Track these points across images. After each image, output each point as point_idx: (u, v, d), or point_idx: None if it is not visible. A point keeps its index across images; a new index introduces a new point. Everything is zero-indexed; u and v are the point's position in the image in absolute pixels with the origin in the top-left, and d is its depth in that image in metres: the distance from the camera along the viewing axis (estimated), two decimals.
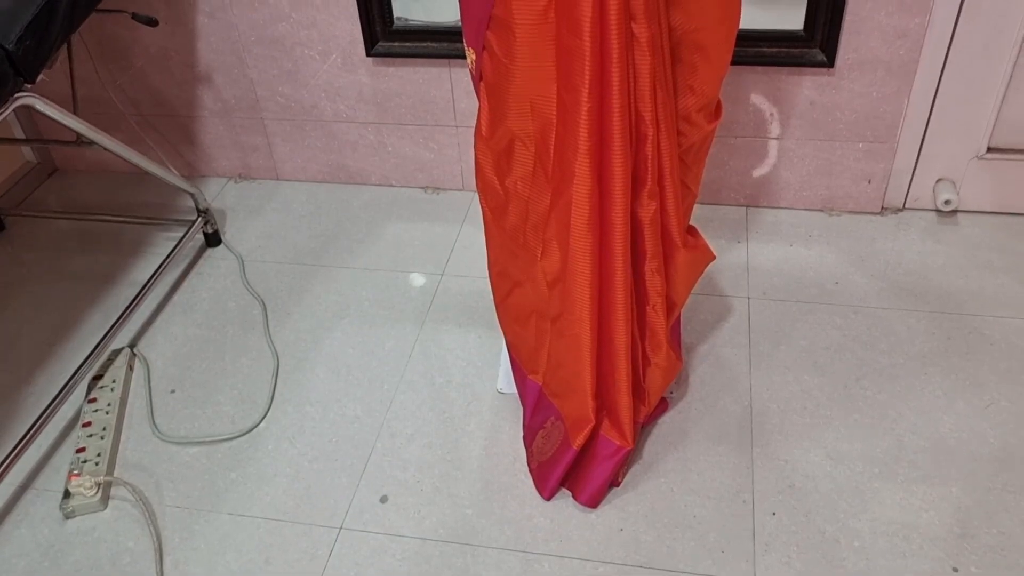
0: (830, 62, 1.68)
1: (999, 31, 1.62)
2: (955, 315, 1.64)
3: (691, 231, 1.33)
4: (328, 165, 2.08)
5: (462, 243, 1.89)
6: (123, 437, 1.50)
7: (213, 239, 1.92)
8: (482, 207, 1.29)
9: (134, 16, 1.63)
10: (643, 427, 1.43)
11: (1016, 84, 1.69)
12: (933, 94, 1.73)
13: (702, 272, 1.36)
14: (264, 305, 1.76)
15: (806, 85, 1.74)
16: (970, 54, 1.66)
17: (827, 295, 1.70)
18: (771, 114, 1.79)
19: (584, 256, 1.13)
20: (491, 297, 1.41)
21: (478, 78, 1.17)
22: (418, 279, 1.79)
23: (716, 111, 1.23)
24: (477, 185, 1.26)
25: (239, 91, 1.98)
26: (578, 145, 1.05)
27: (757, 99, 1.77)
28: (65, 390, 1.48)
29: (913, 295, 1.68)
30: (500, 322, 1.43)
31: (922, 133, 1.79)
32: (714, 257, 1.36)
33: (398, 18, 1.81)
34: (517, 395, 1.46)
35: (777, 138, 1.82)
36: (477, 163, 1.23)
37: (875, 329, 1.62)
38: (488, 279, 1.40)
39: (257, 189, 2.11)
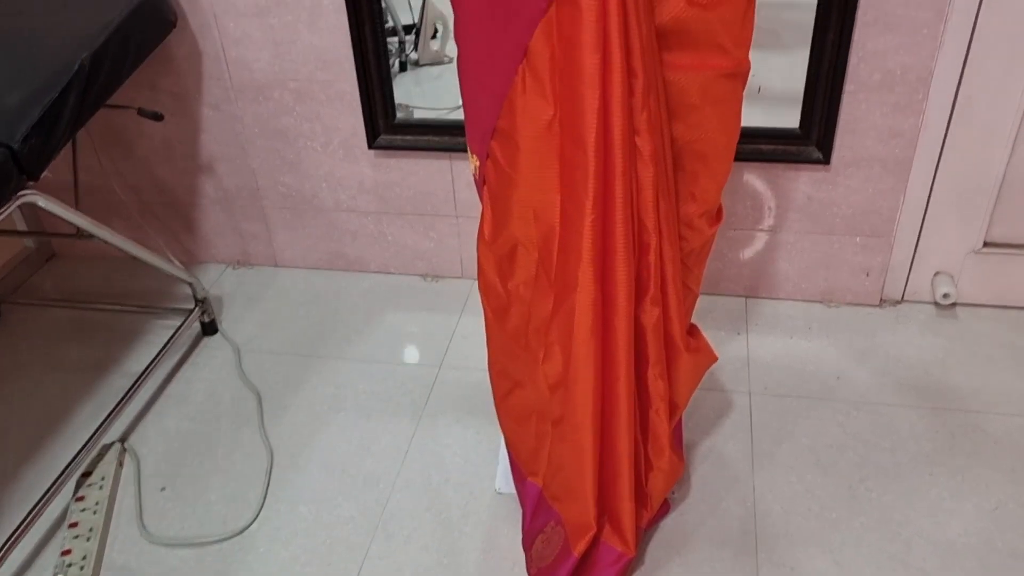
0: (826, 159, 1.70)
1: (991, 132, 1.65)
2: (958, 412, 1.62)
3: (692, 331, 1.32)
4: (327, 253, 2.08)
5: (461, 333, 1.88)
6: (110, 538, 1.46)
7: (210, 328, 1.90)
8: (483, 307, 1.28)
9: (140, 111, 1.65)
10: (644, 530, 1.40)
11: (1009, 181, 1.71)
12: (928, 191, 1.75)
13: (704, 373, 1.35)
14: (259, 397, 1.73)
15: (803, 181, 1.76)
16: (964, 153, 1.68)
17: (828, 390, 1.69)
18: (769, 208, 1.80)
19: (587, 362, 1.12)
20: (490, 390, 1.40)
21: (481, 183, 1.18)
22: (416, 368, 1.77)
23: (717, 215, 1.24)
24: (479, 286, 1.26)
25: (241, 180, 1.99)
26: (581, 254, 1.05)
27: (755, 194, 1.78)
28: (52, 489, 1.44)
29: (915, 391, 1.67)
30: (500, 421, 1.41)
31: (919, 228, 1.80)
32: (716, 359, 1.35)
33: (399, 104, 1.84)
34: (516, 496, 1.43)
35: (776, 231, 1.83)
36: (480, 266, 1.23)
37: (878, 426, 1.60)
38: (488, 375, 1.38)
39: (256, 276, 2.11)
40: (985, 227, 1.78)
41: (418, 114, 2.41)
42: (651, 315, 1.14)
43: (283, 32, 1.76)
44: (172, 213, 2.09)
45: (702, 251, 1.26)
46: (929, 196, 1.75)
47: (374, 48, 1.72)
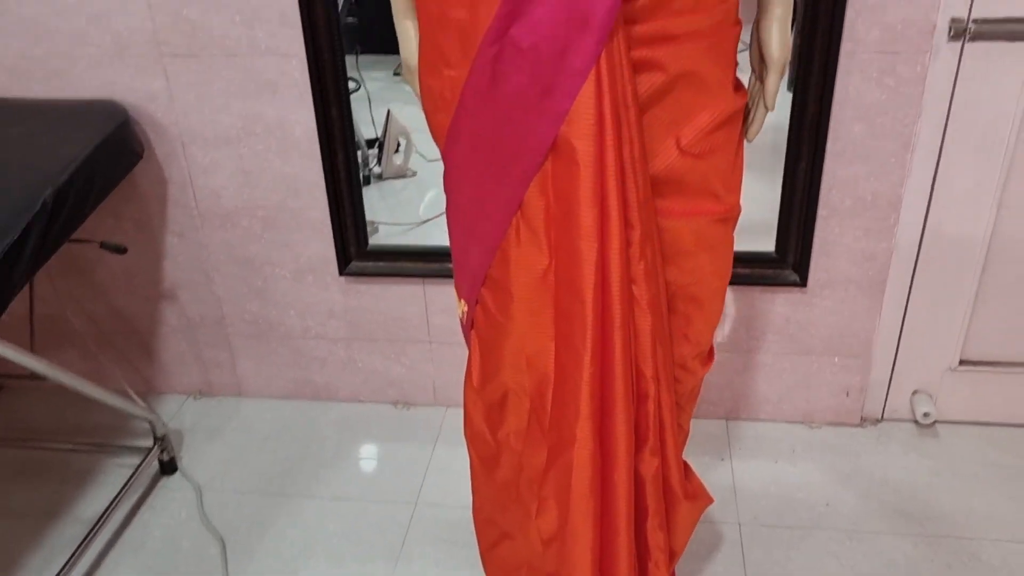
0: (803, 282, 1.70)
1: (961, 254, 1.67)
2: (951, 539, 1.59)
3: (687, 472, 1.28)
4: (294, 381, 2.00)
5: (436, 465, 1.81)
6: None
7: (169, 467, 1.80)
8: (470, 455, 1.22)
9: (103, 245, 1.60)
10: None
11: (982, 299, 1.72)
12: (903, 311, 1.75)
13: (700, 516, 1.30)
14: (223, 543, 1.62)
15: (780, 303, 1.75)
16: (935, 274, 1.70)
17: (819, 518, 1.64)
18: (747, 330, 1.79)
19: (586, 519, 1.06)
20: (471, 530, 1.32)
21: (469, 327, 1.14)
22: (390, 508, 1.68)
23: (709, 355, 1.21)
24: (466, 434, 1.20)
25: (204, 308, 1.93)
26: (579, 408, 1.00)
27: (733, 316, 1.77)
28: None
29: (904, 516, 1.63)
30: (486, 571, 1.33)
31: (895, 347, 1.80)
32: (712, 500, 1.30)
33: (370, 222, 1.80)
34: None
35: (754, 353, 1.82)
36: (467, 412, 1.18)
37: (873, 558, 1.55)
38: (472, 518, 1.31)
39: (218, 407, 2.01)
40: (960, 345, 1.78)
41: (384, 229, 2.39)
42: (650, 465, 1.09)
43: (253, 161, 1.73)
44: (131, 342, 2.00)
45: (694, 391, 1.23)
46: (904, 316, 1.76)
47: (347, 177, 1.69)
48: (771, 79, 1.05)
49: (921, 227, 1.66)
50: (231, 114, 1.68)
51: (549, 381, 1.05)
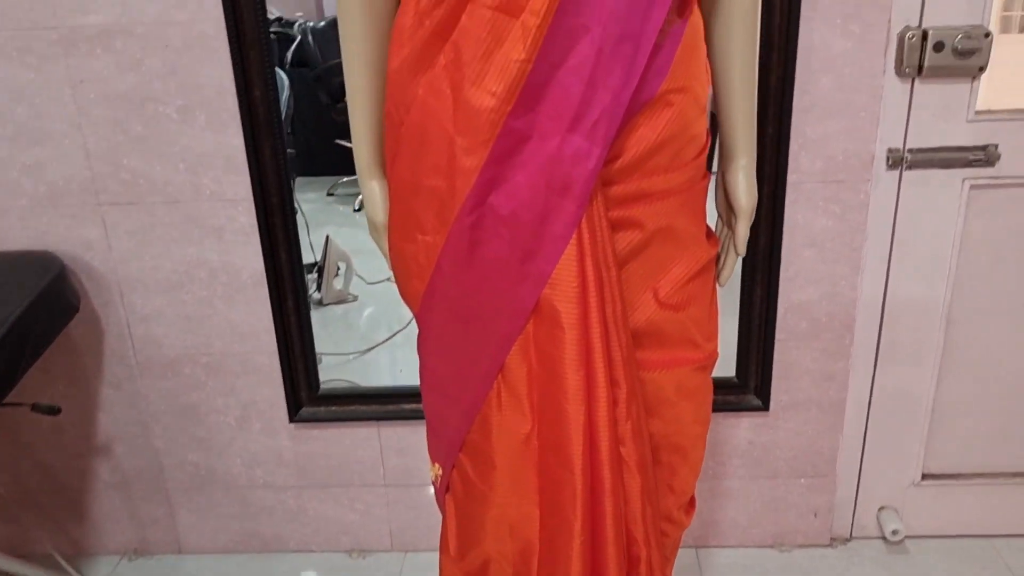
0: (765, 406, 1.69)
1: (916, 370, 1.69)
2: None
3: None
4: (240, 534, 1.87)
5: None
6: None
7: None
8: None
9: (35, 407, 1.48)
10: None
11: (938, 416, 1.74)
12: (864, 429, 1.76)
13: None
14: None
15: (744, 427, 1.74)
16: (892, 391, 1.71)
17: None
18: (713, 456, 1.76)
19: None
20: None
21: (443, 492, 1.07)
22: None
23: (691, 503, 1.17)
24: None
25: (142, 462, 1.80)
26: None
27: None
28: None
29: None
30: None
31: (859, 465, 1.79)
32: None
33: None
34: None
35: (721, 478, 1.78)
36: None
37: None
38: None
39: (155, 567, 1.86)
40: (921, 460, 1.79)
41: (327, 360, 2.31)
42: None
43: (197, 307, 1.65)
44: (58, 501, 1.85)
45: (679, 541, 1.18)
46: (865, 434, 1.76)
47: (297, 321, 1.63)
48: (740, 226, 1.05)
49: (875, 345, 1.68)
50: (173, 260, 1.62)
51: (534, 550, 0.99)
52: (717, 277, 1.09)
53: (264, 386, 1.72)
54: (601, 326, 0.88)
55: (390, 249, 0.99)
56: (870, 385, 1.72)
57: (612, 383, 0.91)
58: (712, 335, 1.05)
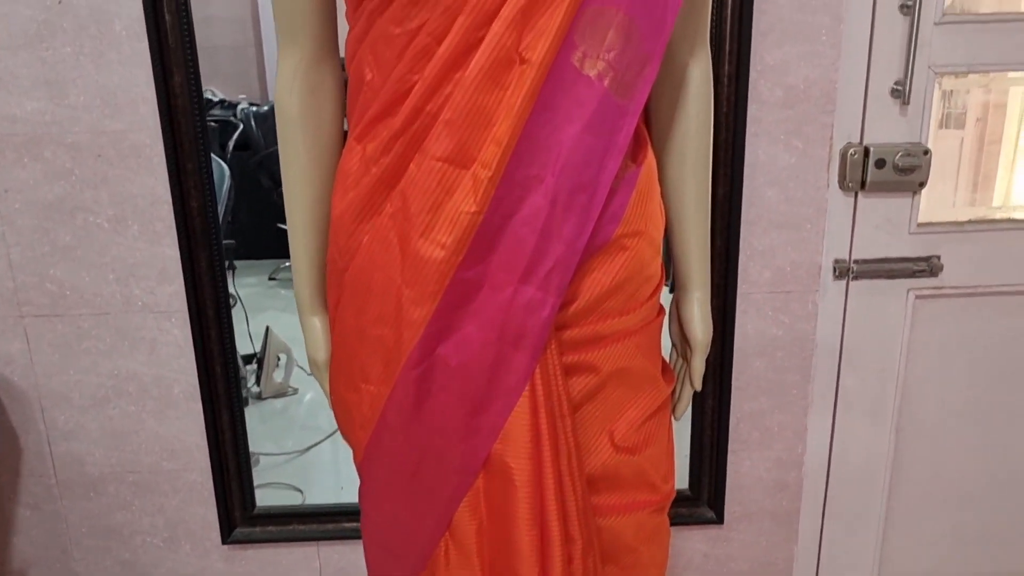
0: (719, 518, 1.65)
1: (868, 478, 1.68)
2: None
3: None
4: None
5: None
6: None
7: None
8: None
9: None
10: None
11: (891, 523, 1.72)
12: (819, 537, 1.73)
13: None
14: None
15: (697, 539, 1.69)
16: (845, 500, 1.69)
17: None
18: (668, 571, 1.70)
19: None
20: None
21: None
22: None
23: None
24: None
25: None
26: None
27: None
28: None
29: None
30: None
31: (815, 574, 1.76)
32: None
33: (252, 454, 1.63)
34: None
35: None
36: None
37: None
38: None
39: None
40: (877, 568, 1.76)
41: (265, 460, 2.20)
42: None
43: (124, 423, 1.56)
44: None
45: None
46: (820, 543, 1.73)
47: (232, 439, 1.55)
48: (696, 360, 1.02)
49: (827, 454, 1.66)
50: (100, 374, 1.53)
51: None
52: (673, 411, 1.05)
53: (195, 505, 1.62)
54: (555, 481, 0.83)
55: (332, 395, 0.94)
56: (824, 493, 1.69)
57: (567, 539, 0.86)
58: (669, 474, 1.01)
